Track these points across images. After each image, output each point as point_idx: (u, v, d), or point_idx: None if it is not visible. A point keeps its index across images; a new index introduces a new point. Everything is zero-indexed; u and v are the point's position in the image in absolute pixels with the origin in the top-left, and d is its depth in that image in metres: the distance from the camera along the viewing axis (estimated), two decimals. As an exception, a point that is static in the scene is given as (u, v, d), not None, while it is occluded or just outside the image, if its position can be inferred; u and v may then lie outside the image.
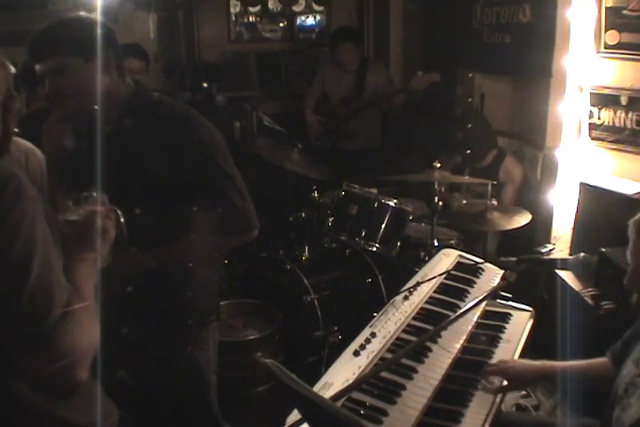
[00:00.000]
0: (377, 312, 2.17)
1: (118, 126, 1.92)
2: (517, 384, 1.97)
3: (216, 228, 1.92)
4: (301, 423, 1.34)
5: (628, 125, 3.18)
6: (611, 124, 3.27)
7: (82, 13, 1.90)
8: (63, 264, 1.26)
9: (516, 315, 2.33)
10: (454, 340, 2.08)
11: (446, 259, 2.56)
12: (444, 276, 2.41)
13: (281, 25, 5.98)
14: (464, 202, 3.74)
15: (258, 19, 5.91)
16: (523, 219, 3.28)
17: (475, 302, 1.86)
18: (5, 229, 1.13)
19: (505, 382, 1.92)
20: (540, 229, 3.68)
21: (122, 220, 1.55)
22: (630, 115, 3.16)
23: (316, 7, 6.00)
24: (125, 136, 1.92)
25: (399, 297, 2.24)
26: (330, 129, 4.71)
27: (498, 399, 1.85)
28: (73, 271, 1.30)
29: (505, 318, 2.30)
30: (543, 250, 3.34)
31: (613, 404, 1.76)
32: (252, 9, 5.86)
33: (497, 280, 2.41)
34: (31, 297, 1.12)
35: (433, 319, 2.15)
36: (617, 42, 3.14)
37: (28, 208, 1.17)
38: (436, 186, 3.29)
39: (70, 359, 1.15)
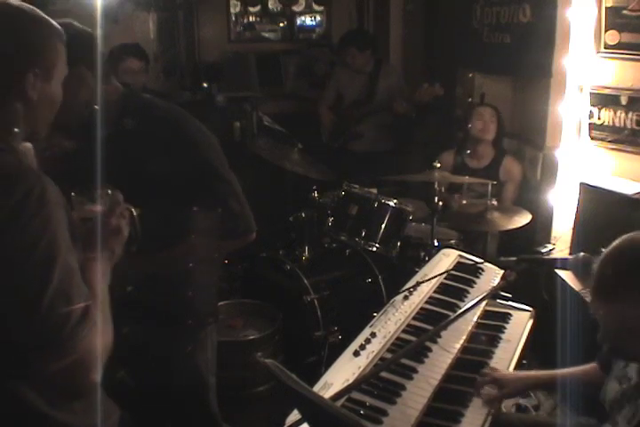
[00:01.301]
0: (377, 312, 2.17)
1: (114, 129, 1.91)
2: (510, 392, 1.93)
3: (215, 229, 1.92)
4: (301, 423, 1.35)
5: (628, 125, 3.17)
6: (611, 124, 3.26)
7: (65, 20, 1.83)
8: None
9: (516, 315, 2.33)
10: (454, 340, 2.07)
11: (446, 259, 2.56)
12: (443, 276, 2.41)
13: (281, 25, 5.97)
14: (464, 202, 3.74)
15: (258, 19, 5.91)
16: (523, 219, 3.28)
17: (475, 301, 1.87)
18: (29, 236, 1.12)
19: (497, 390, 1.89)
20: (540, 229, 3.68)
21: (136, 218, 1.54)
22: (630, 115, 3.15)
23: (316, 7, 5.99)
24: (122, 138, 1.91)
25: (399, 297, 2.24)
26: (339, 130, 4.72)
27: (498, 399, 1.85)
28: (86, 270, 1.28)
29: (505, 318, 2.30)
30: (543, 250, 3.34)
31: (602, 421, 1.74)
32: (251, 9, 5.86)
33: (497, 280, 2.41)
34: (51, 303, 1.11)
35: (433, 319, 2.14)
36: (617, 42, 3.14)
37: (52, 214, 1.16)
38: (436, 186, 3.29)
39: (84, 362, 1.14)
